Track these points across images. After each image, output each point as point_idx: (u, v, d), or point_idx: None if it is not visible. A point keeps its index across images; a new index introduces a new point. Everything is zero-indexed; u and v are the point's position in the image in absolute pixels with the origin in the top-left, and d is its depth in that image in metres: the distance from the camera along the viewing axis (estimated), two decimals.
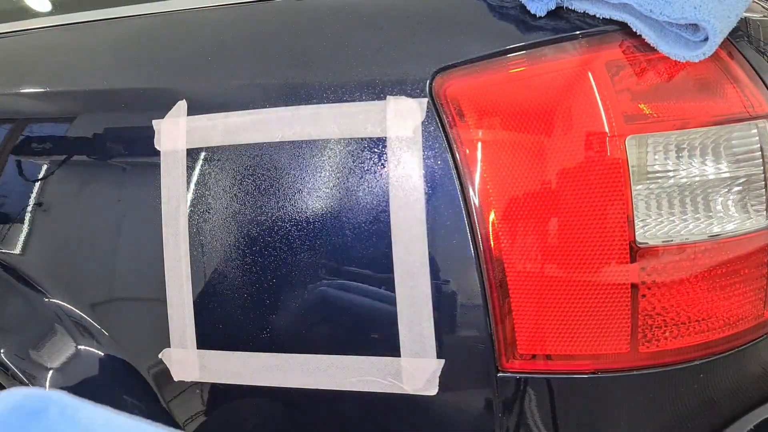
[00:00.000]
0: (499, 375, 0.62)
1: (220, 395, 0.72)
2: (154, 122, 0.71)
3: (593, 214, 0.58)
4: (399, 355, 0.64)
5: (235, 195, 0.68)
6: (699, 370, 0.62)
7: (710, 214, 0.59)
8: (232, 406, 0.73)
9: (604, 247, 0.58)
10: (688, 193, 0.59)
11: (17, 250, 0.80)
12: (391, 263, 0.63)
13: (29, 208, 0.79)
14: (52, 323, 0.78)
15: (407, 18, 0.66)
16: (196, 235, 0.70)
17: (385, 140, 0.63)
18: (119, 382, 0.77)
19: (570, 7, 0.61)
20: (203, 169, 0.69)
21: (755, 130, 0.61)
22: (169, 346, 0.72)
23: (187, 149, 0.70)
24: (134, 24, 0.81)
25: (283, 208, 0.67)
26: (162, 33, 0.79)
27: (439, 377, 0.63)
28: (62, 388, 0.78)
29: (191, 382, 0.72)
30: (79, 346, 0.77)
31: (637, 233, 0.58)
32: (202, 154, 0.69)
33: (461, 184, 0.61)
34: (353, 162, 0.64)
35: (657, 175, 0.58)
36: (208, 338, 0.70)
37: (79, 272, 0.78)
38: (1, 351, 0.78)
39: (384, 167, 0.63)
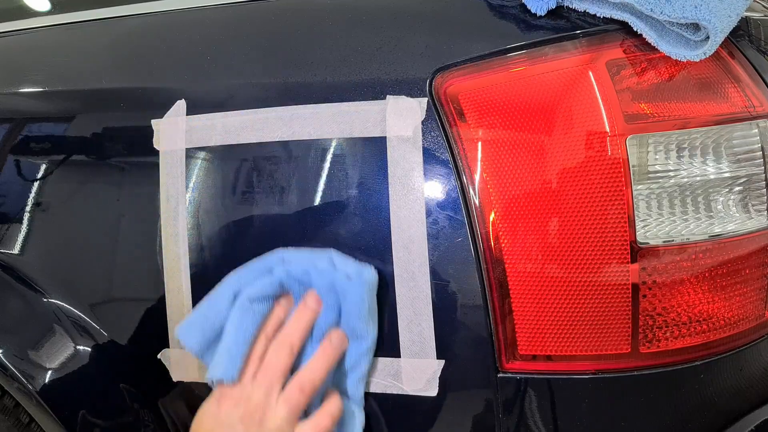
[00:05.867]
0: (499, 375, 0.61)
1: None
2: (153, 122, 0.71)
3: (594, 214, 0.57)
4: (399, 356, 0.63)
5: (234, 195, 0.68)
6: (700, 371, 0.62)
7: (711, 214, 0.59)
8: None
9: (604, 247, 0.58)
10: (689, 193, 0.59)
11: (16, 250, 0.80)
12: (391, 263, 0.62)
13: (28, 208, 0.79)
14: (51, 323, 0.78)
15: (407, 18, 0.66)
16: (195, 235, 0.70)
17: (385, 140, 0.63)
18: (118, 383, 0.77)
19: (570, 6, 0.61)
20: (202, 169, 0.69)
21: (756, 130, 0.60)
22: (168, 347, 0.72)
23: (186, 149, 0.69)
24: (133, 23, 0.81)
25: (282, 208, 0.66)
26: (161, 32, 0.79)
27: (439, 378, 0.63)
28: (61, 389, 0.77)
29: (190, 382, 0.72)
30: (78, 347, 0.77)
31: (637, 233, 0.58)
32: (201, 154, 0.69)
33: (461, 183, 0.60)
34: (353, 162, 0.64)
35: (658, 174, 0.58)
36: None
37: (78, 272, 0.77)
38: (0, 351, 0.78)
39: (384, 167, 0.63)
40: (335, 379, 0.65)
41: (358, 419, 0.64)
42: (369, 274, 0.62)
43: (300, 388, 0.61)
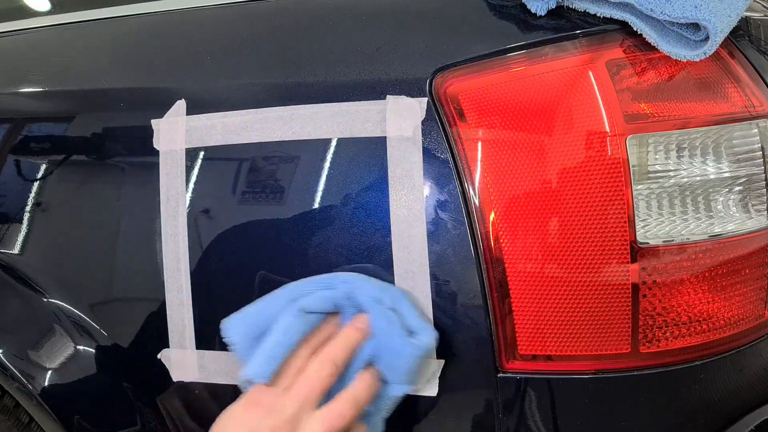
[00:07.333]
0: (499, 375, 0.61)
1: (219, 395, 0.72)
2: (153, 122, 0.71)
3: (594, 214, 0.57)
4: None
5: (234, 194, 0.68)
6: (700, 371, 0.62)
7: (711, 214, 0.59)
8: None
9: (604, 247, 0.58)
10: (688, 192, 0.59)
11: (16, 250, 0.80)
12: (391, 263, 0.62)
13: (28, 208, 0.79)
14: (51, 323, 0.78)
15: (407, 17, 0.66)
16: (195, 235, 0.70)
17: (385, 140, 0.63)
18: (118, 383, 0.77)
19: (570, 6, 0.61)
20: (202, 169, 0.69)
21: (756, 130, 0.60)
22: (168, 347, 0.72)
23: (186, 149, 0.69)
24: (133, 23, 0.81)
25: (281, 208, 0.66)
26: (161, 32, 0.79)
27: (439, 378, 0.63)
28: (61, 389, 0.77)
29: (190, 382, 0.72)
30: (78, 347, 0.77)
31: (637, 233, 0.58)
32: (201, 154, 0.69)
33: (461, 183, 0.60)
34: (352, 162, 0.64)
35: (658, 174, 0.58)
36: (207, 338, 0.70)
37: (78, 272, 0.77)
38: (0, 351, 0.78)
39: (384, 167, 0.63)
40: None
41: None
42: (430, 339, 0.59)
43: (341, 413, 0.56)
